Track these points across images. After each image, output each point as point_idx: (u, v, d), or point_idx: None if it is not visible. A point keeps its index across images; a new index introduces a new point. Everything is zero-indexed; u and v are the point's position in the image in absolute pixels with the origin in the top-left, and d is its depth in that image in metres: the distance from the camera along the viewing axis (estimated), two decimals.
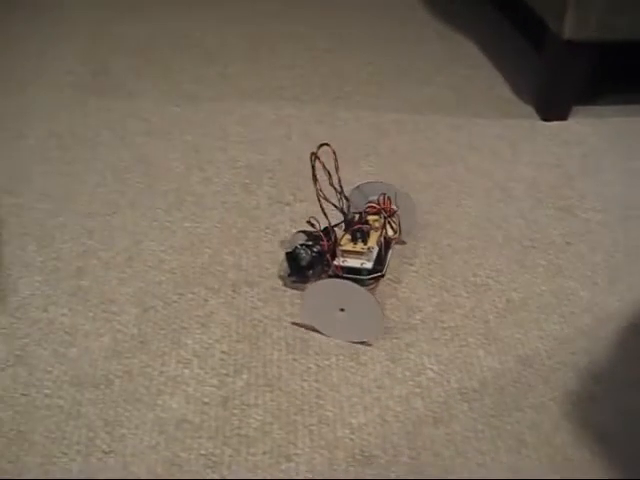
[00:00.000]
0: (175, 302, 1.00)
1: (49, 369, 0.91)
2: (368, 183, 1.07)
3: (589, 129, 1.38)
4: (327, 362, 0.91)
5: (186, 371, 0.90)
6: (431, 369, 0.91)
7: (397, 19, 1.77)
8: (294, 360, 0.92)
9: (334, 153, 0.95)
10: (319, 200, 0.94)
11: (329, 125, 1.36)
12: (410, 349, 0.93)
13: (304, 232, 1.00)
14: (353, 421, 0.85)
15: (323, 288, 0.92)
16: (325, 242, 0.96)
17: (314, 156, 0.93)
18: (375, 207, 1.01)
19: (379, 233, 0.98)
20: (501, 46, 1.65)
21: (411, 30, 1.72)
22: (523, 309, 1.00)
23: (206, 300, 1.00)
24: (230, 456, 0.81)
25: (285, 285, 1.03)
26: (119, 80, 1.51)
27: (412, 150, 1.30)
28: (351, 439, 0.83)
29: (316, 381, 0.89)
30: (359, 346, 0.93)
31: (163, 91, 1.47)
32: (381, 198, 1.01)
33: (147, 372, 0.90)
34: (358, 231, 0.96)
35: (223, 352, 0.93)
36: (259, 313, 0.98)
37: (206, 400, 0.87)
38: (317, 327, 0.95)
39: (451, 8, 1.82)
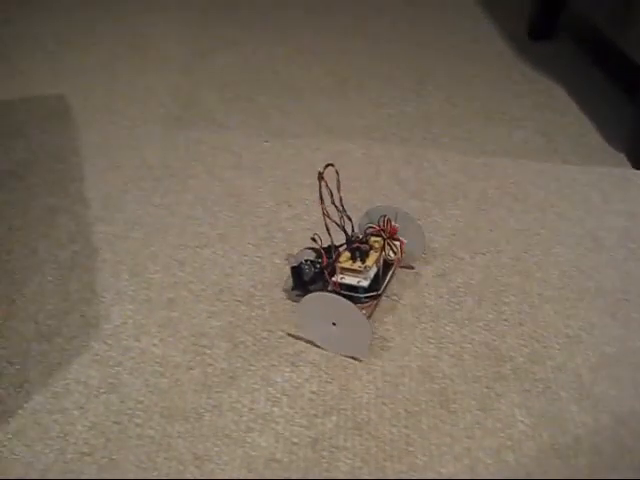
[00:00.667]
0: (265, 339, 1.00)
1: (140, 399, 0.92)
2: (377, 207, 1.08)
3: None
4: (417, 408, 0.91)
5: (275, 409, 0.91)
6: (522, 422, 0.89)
7: (483, 60, 1.76)
8: (383, 404, 0.91)
9: (337, 173, 0.97)
10: (324, 219, 0.97)
11: (417, 166, 1.36)
12: (501, 400, 0.92)
13: (312, 249, 1.02)
14: (443, 470, 0.84)
15: (315, 301, 0.95)
16: (325, 259, 0.99)
17: (320, 176, 0.95)
18: (375, 228, 1.04)
19: (378, 254, 1.00)
20: (591, 92, 1.62)
21: (497, 72, 1.71)
22: (617, 365, 0.97)
23: (295, 339, 1.00)
24: None
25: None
26: (209, 113, 1.54)
27: (501, 195, 1.29)
28: None
29: (405, 427, 0.88)
30: (449, 393, 0.92)
31: (252, 125, 1.49)
32: (382, 220, 1.03)
33: (237, 408, 0.91)
34: (357, 250, 0.99)
35: (312, 392, 0.93)
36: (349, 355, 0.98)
37: (295, 440, 0.87)
38: (312, 339, 0.99)
39: (538, 50, 1.81)
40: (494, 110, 1.55)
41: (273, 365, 0.96)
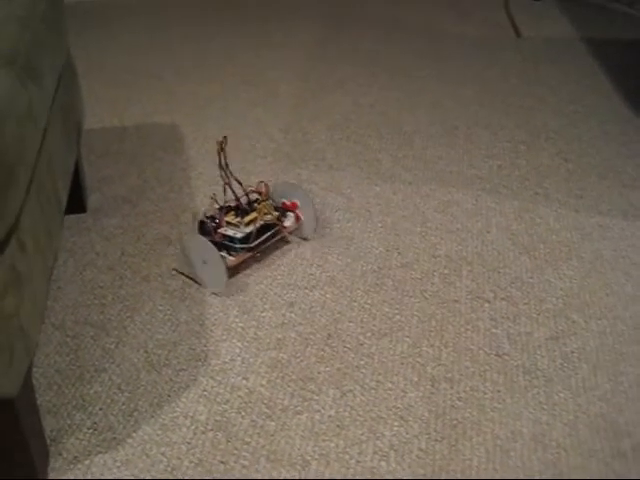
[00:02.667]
0: (373, 389, 0.99)
1: (247, 439, 0.92)
2: (284, 182, 1.34)
3: None
4: (527, 478, 0.88)
5: (383, 464, 0.89)
6: None
7: (596, 114, 1.73)
8: (494, 470, 0.89)
9: (222, 143, 1.22)
10: (223, 182, 1.24)
11: (529, 221, 1.33)
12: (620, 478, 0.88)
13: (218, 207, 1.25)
14: None
15: (191, 243, 1.18)
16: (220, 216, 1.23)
17: (220, 146, 1.22)
18: (254, 190, 1.27)
19: (256, 215, 1.22)
20: None
21: (611, 128, 1.67)
22: None
23: (404, 392, 0.99)
24: None
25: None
26: (319, 152, 1.55)
27: (617, 258, 1.25)
28: None
29: None
30: (563, 465, 0.89)
31: (362, 168, 1.50)
32: (262, 186, 1.26)
33: (344, 459, 0.90)
34: (238, 209, 1.23)
35: (420, 450, 0.91)
36: (459, 414, 0.96)
37: None
38: (191, 275, 1.20)
39: None
40: (608, 168, 1.52)
41: (381, 417, 0.95)
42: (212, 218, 1.22)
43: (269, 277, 1.20)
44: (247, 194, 1.26)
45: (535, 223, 1.33)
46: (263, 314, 1.12)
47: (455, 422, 0.95)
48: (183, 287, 1.17)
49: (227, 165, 1.24)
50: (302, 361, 1.04)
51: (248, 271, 1.21)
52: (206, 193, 1.40)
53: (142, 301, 1.15)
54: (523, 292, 1.16)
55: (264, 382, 1.00)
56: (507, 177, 1.47)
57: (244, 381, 1.01)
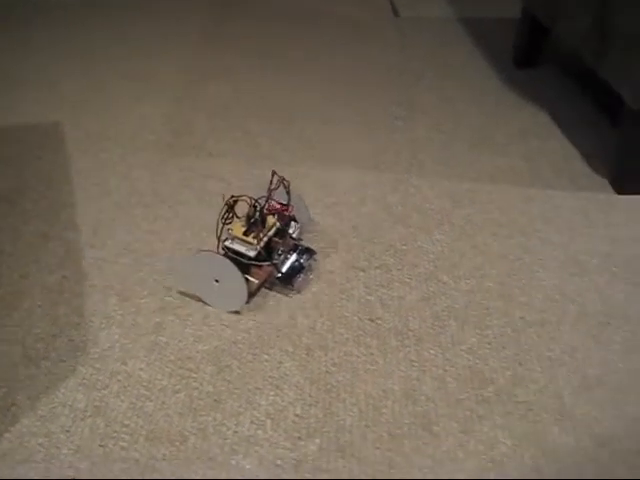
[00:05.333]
0: (250, 362, 1.01)
1: (126, 422, 0.93)
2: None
3: None
4: (399, 431, 0.92)
5: (259, 432, 0.91)
6: (504, 443, 0.91)
7: (470, 88, 1.79)
8: (366, 427, 0.92)
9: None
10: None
11: (403, 192, 1.38)
12: (483, 422, 0.93)
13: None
14: None
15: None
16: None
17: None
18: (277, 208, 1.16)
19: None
20: (576, 118, 1.65)
21: (484, 99, 1.74)
22: (599, 387, 0.99)
23: (280, 362, 1.01)
24: None
25: (359, 352, 1.04)
26: (200, 141, 1.56)
27: (485, 220, 1.31)
28: None
29: (389, 450, 0.89)
30: (432, 415, 0.93)
31: (241, 153, 1.51)
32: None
33: (221, 431, 0.92)
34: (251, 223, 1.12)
35: (296, 415, 0.94)
36: (333, 378, 0.99)
37: (279, 462, 0.88)
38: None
39: (524, 78, 1.84)
40: (479, 137, 1.58)
41: (258, 388, 0.97)
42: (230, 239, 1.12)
43: (148, 265, 1.20)
44: (256, 207, 1.13)
45: (409, 193, 1.38)
46: (142, 300, 1.13)
47: (329, 386, 0.98)
48: (62, 282, 1.17)
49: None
50: (180, 342, 1.05)
51: (125, 260, 1.21)
52: (87, 189, 1.40)
53: (21, 298, 1.14)
54: (396, 259, 1.20)
55: (143, 365, 1.01)
56: (384, 152, 1.52)
57: (123, 366, 1.01)
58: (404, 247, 1.23)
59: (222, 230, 1.11)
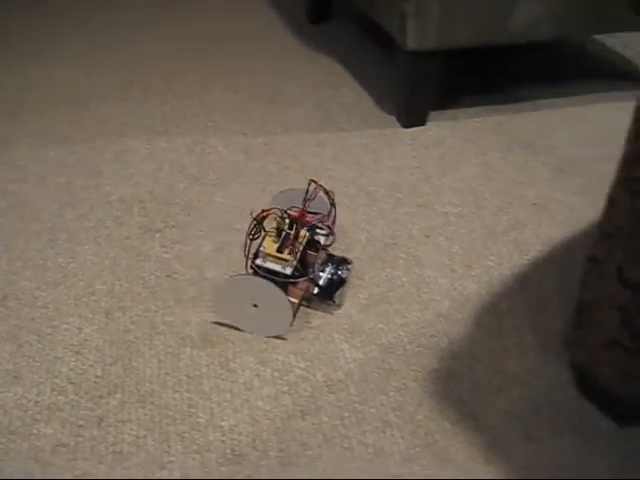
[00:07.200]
0: (49, 335, 1.02)
1: None
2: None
3: (446, 131, 1.47)
4: (198, 373, 0.95)
5: (61, 397, 0.93)
6: (298, 367, 0.96)
7: (265, 47, 1.84)
8: (166, 374, 0.95)
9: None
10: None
11: (199, 153, 1.41)
12: (278, 350, 0.98)
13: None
14: (223, 424, 0.89)
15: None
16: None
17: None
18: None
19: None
20: (363, 65, 1.73)
21: (278, 57, 1.79)
22: (385, 301, 1.06)
23: (80, 329, 1.03)
24: (105, 473, 0.84)
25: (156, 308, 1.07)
26: None
27: (279, 169, 1.36)
28: (222, 441, 0.87)
29: (187, 391, 0.93)
30: (229, 354, 0.98)
31: (38, 137, 1.50)
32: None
33: (22, 404, 0.92)
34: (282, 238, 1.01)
35: (97, 376, 0.96)
36: (131, 335, 1.01)
37: (81, 423, 0.90)
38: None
39: (317, 33, 1.90)
40: (275, 93, 1.63)
41: (58, 357, 0.98)
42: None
43: None
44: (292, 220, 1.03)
45: (205, 153, 1.41)
46: None
47: (128, 344, 1.00)
48: None
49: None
50: None
51: None
52: None
53: None
54: (192, 216, 1.24)
55: None
56: (179, 118, 1.54)
57: None
58: (199, 204, 1.26)
59: (250, 247, 1.01)
